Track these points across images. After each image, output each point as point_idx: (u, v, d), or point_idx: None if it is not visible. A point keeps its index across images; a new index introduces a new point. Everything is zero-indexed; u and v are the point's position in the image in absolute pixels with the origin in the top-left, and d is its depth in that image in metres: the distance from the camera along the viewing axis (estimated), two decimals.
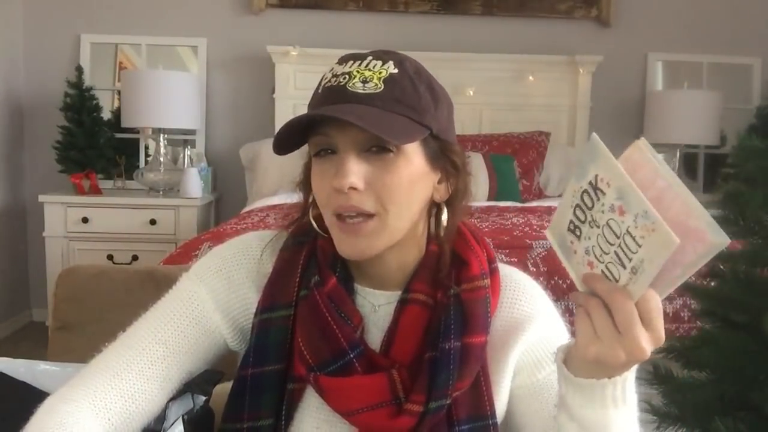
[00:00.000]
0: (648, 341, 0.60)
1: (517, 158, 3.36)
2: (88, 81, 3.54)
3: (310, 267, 0.82)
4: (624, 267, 0.59)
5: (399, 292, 0.82)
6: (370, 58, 0.77)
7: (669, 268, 0.56)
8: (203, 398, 0.83)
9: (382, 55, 0.77)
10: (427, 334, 0.79)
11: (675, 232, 0.54)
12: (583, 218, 0.62)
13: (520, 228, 2.39)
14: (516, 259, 2.04)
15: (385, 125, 0.71)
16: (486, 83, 3.60)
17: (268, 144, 3.40)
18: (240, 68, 3.75)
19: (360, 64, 0.76)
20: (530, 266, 2.04)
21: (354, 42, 3.45)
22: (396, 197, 0.75)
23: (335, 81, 0.76)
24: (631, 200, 0.56)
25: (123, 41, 3.78)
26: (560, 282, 2.00)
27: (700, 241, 0.55)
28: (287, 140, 0.77)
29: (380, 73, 0.75)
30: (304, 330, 0.79)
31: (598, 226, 0.60)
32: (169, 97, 3.33)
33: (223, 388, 0.85)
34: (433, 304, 0.80)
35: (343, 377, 0.77)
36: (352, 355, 0.77)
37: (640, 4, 3.77)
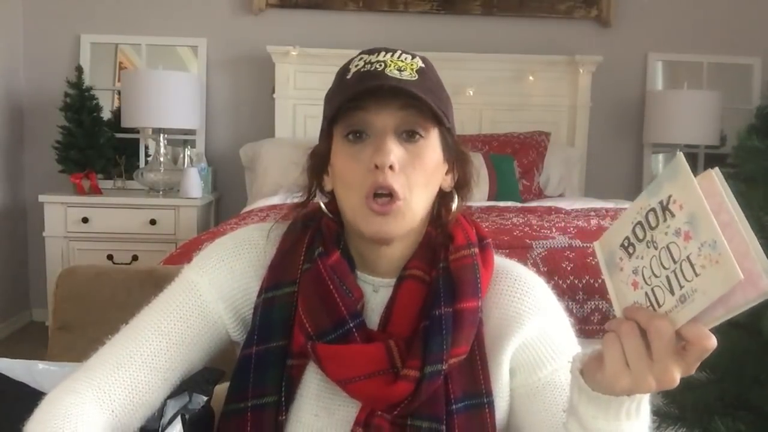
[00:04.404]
0: (679, 370, 0.59)
1: (517, 158, 3.36)
2: (88, 81, 3.54)
3: (315, 244, 0.84)
4: (672, 293, 0.57)
5: (396, 278, 0.84)
6: (400, 51, 0.81)
7: (714, 305, 0.55)
8: (204, 398, 0.83)
9: (410, 52, 0.82)
10: (423, 308, 0.81)
11: None
12: (641, 237, 0.61)
13: (520, 228, 2.39)
14: (516, 260, 2.03)
15: (430, 102, 0.77)
16: (486, 83, 3.60)
17: (268, 144, 3.43)
18: (240, 68, 3.75)
19: (392, 56, 0.80)
20: (530, 266, 2.03)
21: (354, 42, 3.44)
22: (420, 181, 0.79)
23: (370, 67, 0.79)
24: (701, 227, 0.54)
25: (123, 41, 3.78)
26: (560, 282, 2.00)
27: (752, 285, 0.52)
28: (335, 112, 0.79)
29: (412, 65, 0.80)
30: (306, 299, 0.81)
31: (656, 248, 0.59)
32: (169, 97, 3.33)
33: (224, 388, 0.85)
34: (429, 280, 0.82)
35: (340, 345, 0.78)
36: (351, 325, 0.79)
37: (640, 4, 3.77)
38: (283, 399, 0.80)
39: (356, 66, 0.80)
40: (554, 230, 2.31)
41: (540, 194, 3.42)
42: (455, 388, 0.80)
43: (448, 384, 0.80)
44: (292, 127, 3.63)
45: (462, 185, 0.87)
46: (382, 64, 0.78)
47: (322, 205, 0.86)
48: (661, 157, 3.93)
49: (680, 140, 3.59)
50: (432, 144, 0.80)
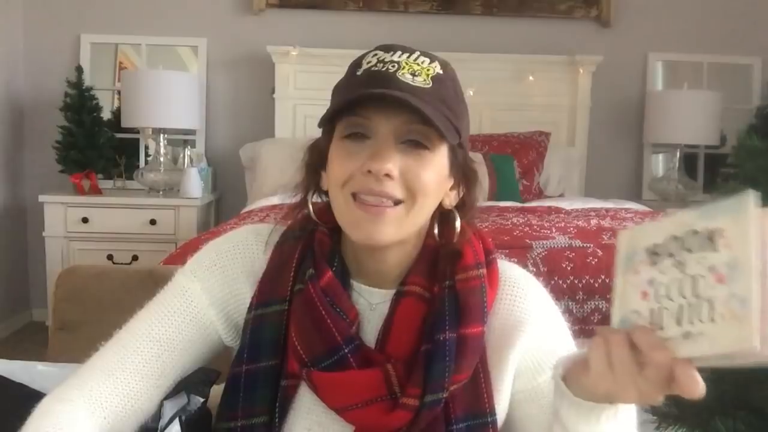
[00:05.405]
0: (664, 393, 0.58)
1: (517, 158, 3.36)
2: (88, 81, 3.54)
3: (306, 261, 0.81)
4: (679, 324, 0.54)
5: (394, 290, 0.82)
6: (417, 53, 0.77)
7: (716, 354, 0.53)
8: (201, 400, 0.82)
9: (429, 55, 0.78)
10: (424, 327, 0.78)
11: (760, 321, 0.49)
12: (671, 252, 0.56)
13: (520, 228, 2.39)
14: (516, 260, 2.03)
15: (438, 119, 0.72)
16: (486, 83, 3.59)
17: (268, 144, 3.43)
18: (240, 68, 3.75)
19: (408, 57, 0.76)
20: (530, 266, 2.04)
21: (354, 42, 3.44)
22: (425, 190, 0.75)
23: (382, 66, 0.75)
24: (739, 278, 0.50)
25: (123, 41, 3.78)
26: (560, 282, 2.00)
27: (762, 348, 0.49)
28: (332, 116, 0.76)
29: (428, 70, 0.75)
30: (298, 325, 0.78)
31: (683, 272, 0.55)
32: (169, 97, 3.33)
33: (221, 388, 0.85)
34: (430, 297, 0.79)
35: (336, 372, 0.76)
36: (346, 350, 0.76)
37: (640, 4, 3.77)
38: (276, 419, 0.78)
39: (368, 62, 0.76)
40: (554, 230, 2.31)
41: (540, 194, 3.42)
42: (456, 408, 0.78)
43: (448, 404, 0.77)
44: (292, 127, 3.63)
45: (465, 204, 0.83)
46: (395, 66, 0.74)
47: (311, 212, 0.82)
48: (661, 157, 3.93)
49: (680, 140, 3.59)
50: (438, 157, 0.76)
